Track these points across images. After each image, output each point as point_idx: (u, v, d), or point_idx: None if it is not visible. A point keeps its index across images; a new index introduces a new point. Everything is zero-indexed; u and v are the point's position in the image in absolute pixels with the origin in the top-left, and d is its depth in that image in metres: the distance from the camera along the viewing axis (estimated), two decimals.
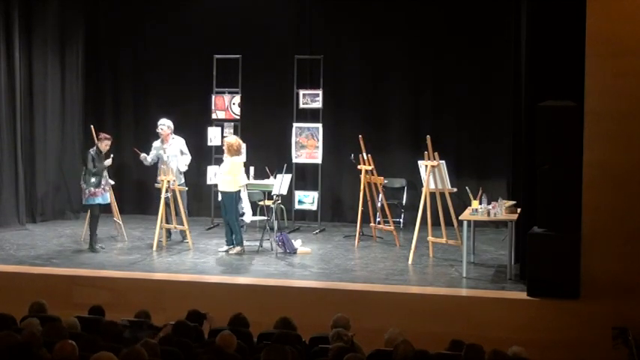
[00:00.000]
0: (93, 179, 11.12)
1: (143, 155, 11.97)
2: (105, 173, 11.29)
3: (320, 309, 8.35)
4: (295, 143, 13.03)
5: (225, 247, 11.03)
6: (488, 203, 10.08)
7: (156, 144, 11.96)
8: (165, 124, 11.87)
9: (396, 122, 13.51)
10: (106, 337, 6.01)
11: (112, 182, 12.05)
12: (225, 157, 11.11)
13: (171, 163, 11.46)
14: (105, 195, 11.29)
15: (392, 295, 9.03)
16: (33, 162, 13.45)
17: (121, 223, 12.02)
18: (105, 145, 11.34)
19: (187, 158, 11.89)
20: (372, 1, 13.46)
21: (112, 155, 11.89)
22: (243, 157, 11.52)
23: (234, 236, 11.01)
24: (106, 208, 12.69)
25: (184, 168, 11.81)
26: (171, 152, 11.64)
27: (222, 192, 11.06)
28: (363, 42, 13.51)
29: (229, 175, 10.93)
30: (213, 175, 13.14)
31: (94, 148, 11.29)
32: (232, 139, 11.16)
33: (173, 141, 11.82)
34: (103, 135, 11.46)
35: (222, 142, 12.10)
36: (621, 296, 8.23)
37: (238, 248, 10.98)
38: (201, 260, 10.66)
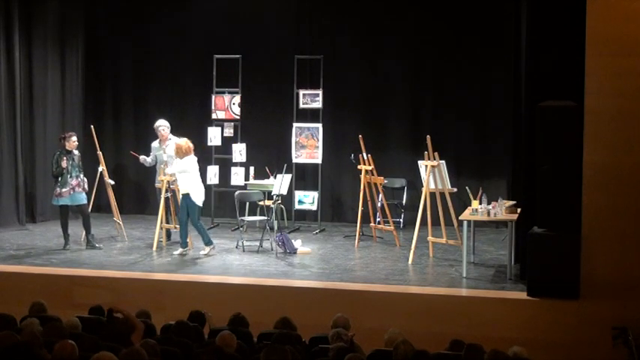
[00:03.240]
0: (58, 180, 11.07)
1: (142, 157, 11.97)
2: (76, 174, 11.09)
3: (320, 309, 8.35)
4: (295, 143, 13.03)
5: (207, 249, 10.98)
6: (488, 203, 10.08)
7: (154, 144, 11.95)
8: (167, 126, 11.83)
9: (396, 122, 13.51)
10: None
11: (112, 182, 12.06)
12: (176, 159, 10.97)
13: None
14: (74, 196, 11.10)
15: (392, 295, 9.03)
16: (33, 162, 13.46)
17: (121, 223, 12.02)
18: (72, 142, 11.15)
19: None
20: (372, 1, 13.47)
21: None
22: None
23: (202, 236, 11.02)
24: (106, 208, 12.73)
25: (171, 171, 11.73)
26: (169, 152, 11.60)
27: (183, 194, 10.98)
28: (363, 42, 13.50)
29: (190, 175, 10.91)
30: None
31: (62, 149, 11.17)
32: (182, 141, 11.00)
33: (170, 142, 11.78)
34: (67, 134, 11.40)
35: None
36: (621, 296, 8.23)
37: (180, 250, 10.98)
38: (201, 260, 10.66)
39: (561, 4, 9.07)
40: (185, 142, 11.00)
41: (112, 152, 14.13)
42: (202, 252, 10.95)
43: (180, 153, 10.90)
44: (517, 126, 10.30)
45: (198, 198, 10.92)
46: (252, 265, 10.40)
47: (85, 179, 11.33)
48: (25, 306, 7.11)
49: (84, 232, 11.53)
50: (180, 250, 10.97)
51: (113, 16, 14.38)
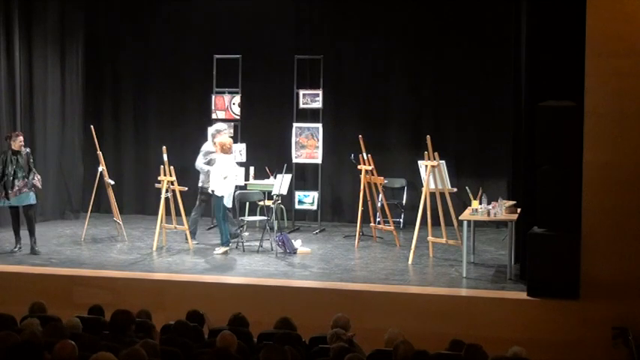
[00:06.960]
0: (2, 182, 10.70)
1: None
2: (22, 174, 10.64)
3: (320, 309, 8.35)
4: (295, 143, 13.03)
5: (222, 249, 10.98)
6: (488, 203, 10.08)
7: (209, 148, 11.76)
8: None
9: (396, 122, 13.51)
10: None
11: (112, 182, 12.06)
12: (221, 156, 10.98)
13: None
14: (20, 197, 10.67)
15: (392, 295, 9.03)
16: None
17: (121, 223, 12.01)
18: (18, 142, 10.68)
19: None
20: (372, 1, 13.47)
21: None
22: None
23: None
24: (106, 208, 12.72)
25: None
26: None
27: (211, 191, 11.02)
28: (363, 42, 13.51)
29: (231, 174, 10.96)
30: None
31: (8, 149, 10.76)
32: (223, 139, 11.06)
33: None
34: (13, 133, 11.00)
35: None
36: (621, 296, 8.23)
37: (225, 248, 10.99)
38: (202, 260, 10.66)
39: (561, 4, 9.07)
40: (228, 140, 11.08)
41: (112, 152, 14.13)
42: (217, 250, 10.96)
43: (218, 149, 10.95)
44: (517, 126, 10.30)
45: (223, 197, 10.91)
46: (252, 265, 10.39)
47: (37, 177, 10.86)
48: (25, 306, 7.11)
49: (84, 232, 11.51)
50: (222, 249, 10.92)
51: (113, 16, 14.37)
